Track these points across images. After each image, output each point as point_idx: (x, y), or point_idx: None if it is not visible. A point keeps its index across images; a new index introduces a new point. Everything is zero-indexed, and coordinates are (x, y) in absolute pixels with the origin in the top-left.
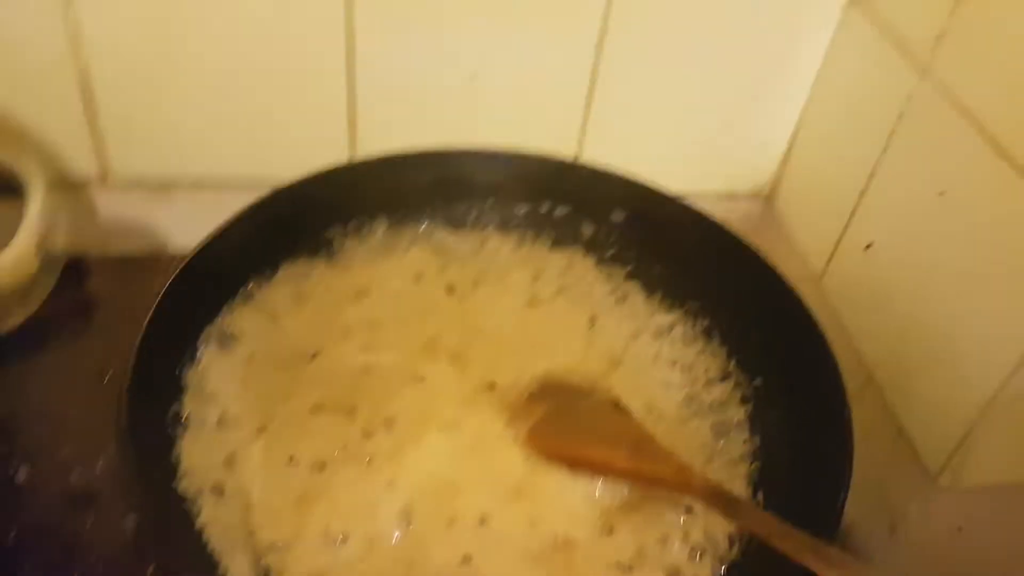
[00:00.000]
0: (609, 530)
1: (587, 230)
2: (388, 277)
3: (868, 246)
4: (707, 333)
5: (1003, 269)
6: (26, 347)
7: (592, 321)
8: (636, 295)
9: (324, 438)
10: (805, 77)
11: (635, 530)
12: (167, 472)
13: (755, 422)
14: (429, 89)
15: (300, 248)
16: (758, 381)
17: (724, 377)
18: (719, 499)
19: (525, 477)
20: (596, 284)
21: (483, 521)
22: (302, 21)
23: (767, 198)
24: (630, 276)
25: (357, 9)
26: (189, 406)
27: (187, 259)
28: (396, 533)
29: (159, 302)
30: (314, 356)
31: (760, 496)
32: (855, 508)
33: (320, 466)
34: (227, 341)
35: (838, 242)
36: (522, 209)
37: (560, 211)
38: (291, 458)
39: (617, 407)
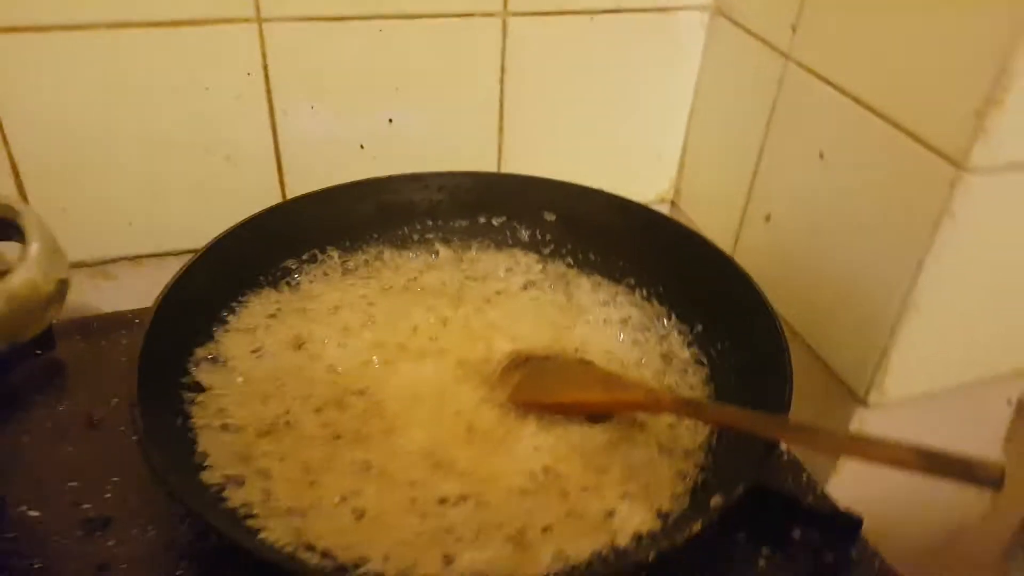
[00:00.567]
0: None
1: (524, 233)
2: (352, 293)
3: (767, 218)
4: (647, 299)
5: (881, 209)
6: (7, 406)
7: (546, 307)
8: (578, 280)
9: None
10: (686, 85)
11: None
12: (191, 467)
13: (701, 359)
14: (351, 139)
15: (262, 282)
16: (699, 328)
17: (669, 329)
18: (687, 406)
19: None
20: (541, 276)
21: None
22: (224, 99)
23: (672, 203)
24: (570, 266)
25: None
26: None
27: (163, 293)
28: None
29: (149, 330)
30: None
31: None
32: None
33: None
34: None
35: (741, 221)
36: (462, 224)
37: (496, 220)
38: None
39: (582, 361)
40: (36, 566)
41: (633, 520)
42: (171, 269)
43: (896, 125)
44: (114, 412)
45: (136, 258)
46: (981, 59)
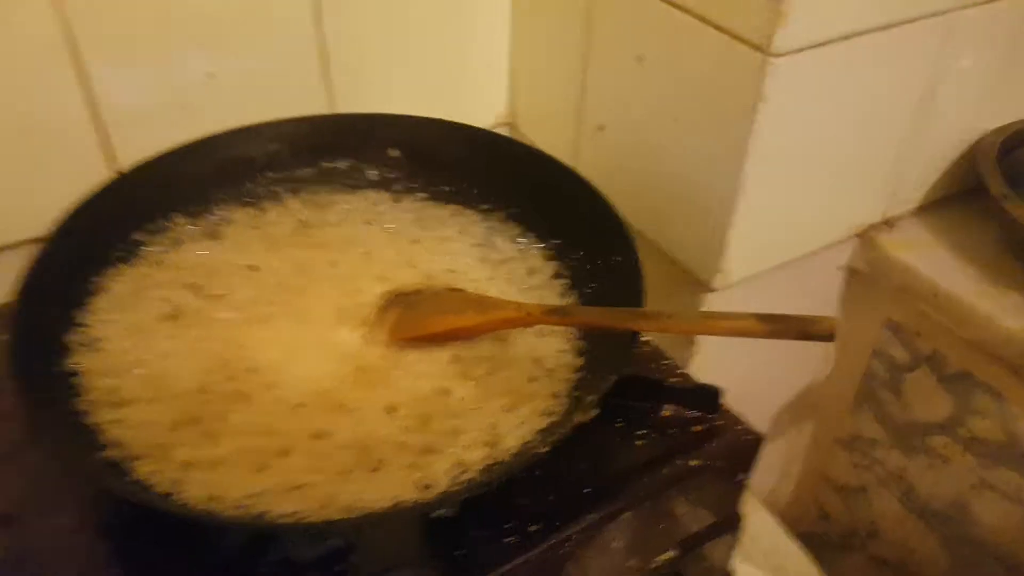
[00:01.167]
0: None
1: (372, 173)
2: (210, 256)
3: (601, 128)
4: (503, 222)
5: (701, 104)
6: None
7: (406, 243)
8: (434, 212)
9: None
10: (502, 9)
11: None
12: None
13: (560, 272)
14: (171, 93)
15: (115, 259)
16: (554, 242)
17: (527, 247)
18: (556, 313)
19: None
20: (397, 213)
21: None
22: (32, 73)
23: (510, 125)
24: (423, 200)
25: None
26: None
27: (23, 282)
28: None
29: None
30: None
31: None
32: None
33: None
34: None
35: (577, 134)
36: (307, 172)
37: (342, 164)
38: None
39: (453, 289)
40: None
41: (520, 428)
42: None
43: (705, 21)
44: None
45: None
46: None
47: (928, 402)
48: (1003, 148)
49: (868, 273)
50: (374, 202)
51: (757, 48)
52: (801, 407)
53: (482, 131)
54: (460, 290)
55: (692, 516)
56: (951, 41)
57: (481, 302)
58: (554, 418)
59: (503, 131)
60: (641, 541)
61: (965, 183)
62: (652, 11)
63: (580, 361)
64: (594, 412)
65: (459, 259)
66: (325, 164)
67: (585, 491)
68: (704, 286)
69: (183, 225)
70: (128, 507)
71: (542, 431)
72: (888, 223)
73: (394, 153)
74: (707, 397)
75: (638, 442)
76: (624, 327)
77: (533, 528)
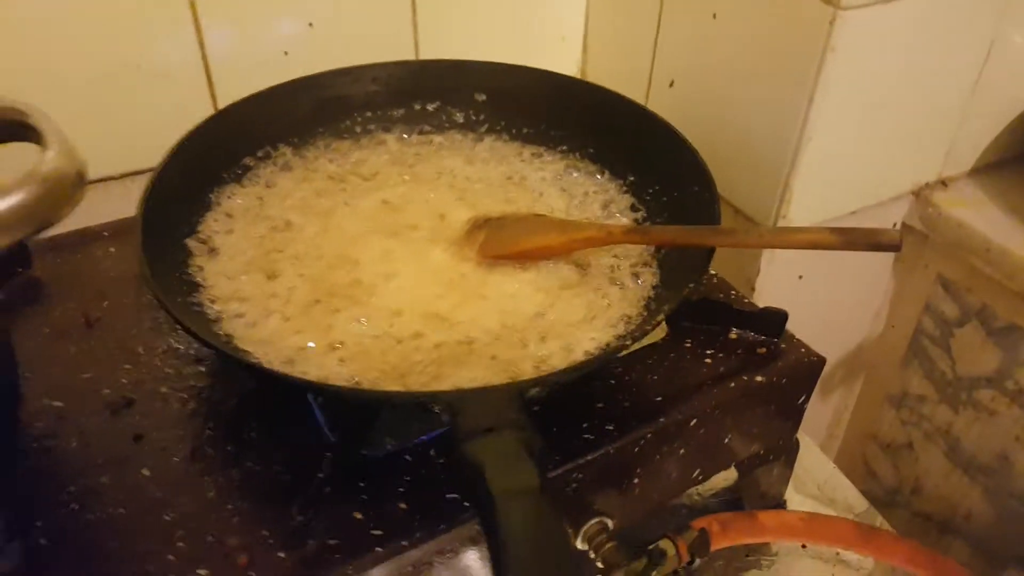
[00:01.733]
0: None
1: (459, 115)
2: (313, 182)
3: (671, 84)
4: (581, 160)
5: (771, 56)
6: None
7: (492, 177)
8: (516, 151)
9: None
10: None
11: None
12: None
13: (636, 205)
14: (274, 43)
15: (226, 179)
16: (630, 178)
17: (604, 183)
18: (637, 232)
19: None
20: (482, 152)
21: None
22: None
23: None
24: (506, 140)
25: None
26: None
27: (145, 193)
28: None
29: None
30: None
31: None
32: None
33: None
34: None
35: (648, 91)
36: (399, 112)
37: (431, 106)
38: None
39: (537, 215)
40: (73, 444)
41: (598, 337)
42: (120, 191)
43: None
44: (109, 312)
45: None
46: None
47: (977, 356)
48: None
49: (921, 230)
50: (460, 141)
51: (828, 2)
52: (852, 366)
53: (563, 76)
54: (542, 215)
55: (754, 435)
56: (1012, 3)
57: (563, 224)
58: (631, 326)
59: None
60: (705, 453)
61: (1017, 148)
62: None
63: (656, 279)
64: (674, 308)
65: (540, 192)
66: (416, 106)
67: (656, 399)
68: None
69: (287, 154)
70: (245, 378)
71: (619, 337)
72: (943, 182)
73: (480, 97)
74: (772, 321)
75: (707, 360)
76: (702, 243)
77: (609, 427)
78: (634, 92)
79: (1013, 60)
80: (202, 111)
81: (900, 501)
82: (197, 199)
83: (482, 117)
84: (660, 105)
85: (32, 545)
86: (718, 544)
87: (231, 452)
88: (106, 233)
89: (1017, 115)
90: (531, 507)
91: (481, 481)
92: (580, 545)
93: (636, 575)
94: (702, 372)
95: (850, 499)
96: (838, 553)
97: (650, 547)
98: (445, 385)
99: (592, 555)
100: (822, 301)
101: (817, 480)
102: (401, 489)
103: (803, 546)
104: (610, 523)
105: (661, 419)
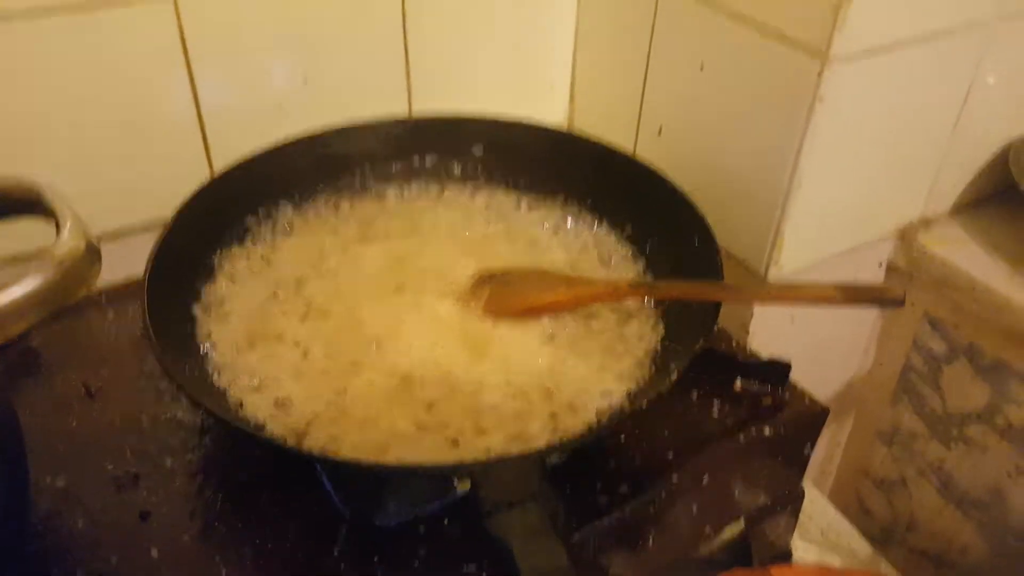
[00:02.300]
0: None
1: (457, 169)
2: (316, 240)
3: (659, 131)
4: (579, 211)
5: (760, 107)
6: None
7: (492, 231)
8: (514, 203)
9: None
10: (567, 18)
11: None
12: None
13: (636, 254)
14: (268, 97)
15: (229, 240)
16: (628, 228)
17: (603, 234)
18: (643, 287)
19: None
20: (481, 205)
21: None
22: (143, 66)
23: (570, 129)
24: (504, 193)
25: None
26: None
27: (152, 254)
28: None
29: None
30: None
31: None
32: None
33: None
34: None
35: (636, 137)
36: (398, 167)
37: (429, 160)
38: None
39: (541, 270)
40: (80, 524)
41: (608, 394)
42: (117, 248)
43: (766, 31)
44: (110, 381)
45: None
46: None
47: (966, 392)
48: None
49: (907, 269)
50: (459, 193)
51: (816, 53)
52: (843, 402)
53: (558, 130)
54: (548, 270)
55: (761, 486)
56: (990, 51)
57: (569, 280)
58: (641, 380)
59: None
60: (715, 507)
61: (997, 186)
62: (714, 23)
63: (661, 333)
64: (685, 367)
65: (541, 245)
66: (414, 160)
67: (667, 454)
68: (759, 278)
69: (288, 212)
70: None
71: (629, 394)
72: (925, 222)
73: (477, 151)
74: (777, 372)
75: (714, 411)
76: (709, 298)
77: (623, 489)
78: (622, 139)
79: (989, 102)
80: (197, 167)
81: (896, 538)
82: (200, 263)
83: (479, 170)
84: (649, 151)
85: None
86: None
87: (242, 528)
88: (103, 298)
89: (994, 154)
90: None
91: (509, 558)
92: None
93: None
94: (710, 425)
95: (853, 544)
96: None
97: None
98: (461, 451)
99: None
100: (813, 340)
101: (820, 525)
102: (416, 563)
103: None
104: None
105: (674, 476)
